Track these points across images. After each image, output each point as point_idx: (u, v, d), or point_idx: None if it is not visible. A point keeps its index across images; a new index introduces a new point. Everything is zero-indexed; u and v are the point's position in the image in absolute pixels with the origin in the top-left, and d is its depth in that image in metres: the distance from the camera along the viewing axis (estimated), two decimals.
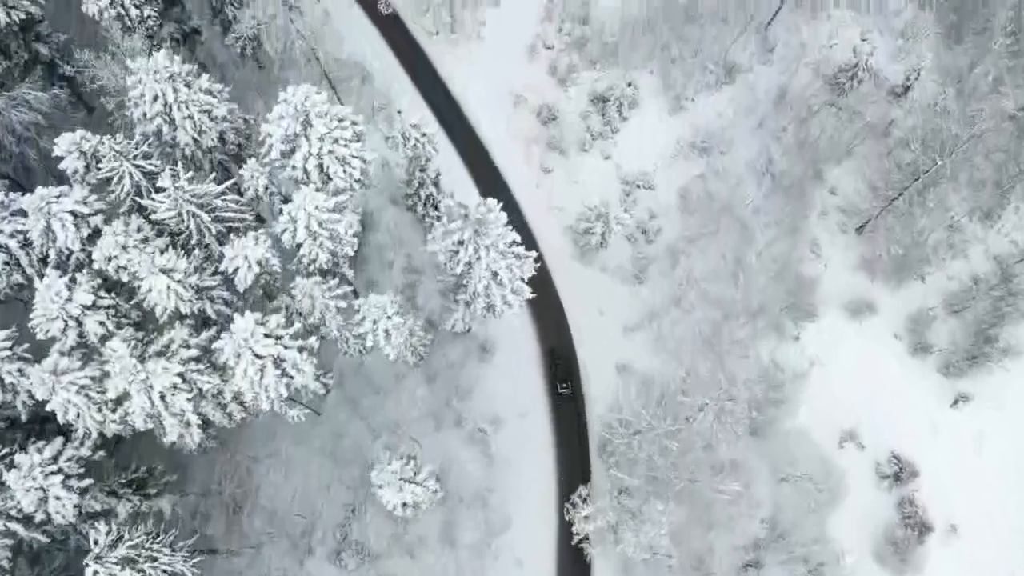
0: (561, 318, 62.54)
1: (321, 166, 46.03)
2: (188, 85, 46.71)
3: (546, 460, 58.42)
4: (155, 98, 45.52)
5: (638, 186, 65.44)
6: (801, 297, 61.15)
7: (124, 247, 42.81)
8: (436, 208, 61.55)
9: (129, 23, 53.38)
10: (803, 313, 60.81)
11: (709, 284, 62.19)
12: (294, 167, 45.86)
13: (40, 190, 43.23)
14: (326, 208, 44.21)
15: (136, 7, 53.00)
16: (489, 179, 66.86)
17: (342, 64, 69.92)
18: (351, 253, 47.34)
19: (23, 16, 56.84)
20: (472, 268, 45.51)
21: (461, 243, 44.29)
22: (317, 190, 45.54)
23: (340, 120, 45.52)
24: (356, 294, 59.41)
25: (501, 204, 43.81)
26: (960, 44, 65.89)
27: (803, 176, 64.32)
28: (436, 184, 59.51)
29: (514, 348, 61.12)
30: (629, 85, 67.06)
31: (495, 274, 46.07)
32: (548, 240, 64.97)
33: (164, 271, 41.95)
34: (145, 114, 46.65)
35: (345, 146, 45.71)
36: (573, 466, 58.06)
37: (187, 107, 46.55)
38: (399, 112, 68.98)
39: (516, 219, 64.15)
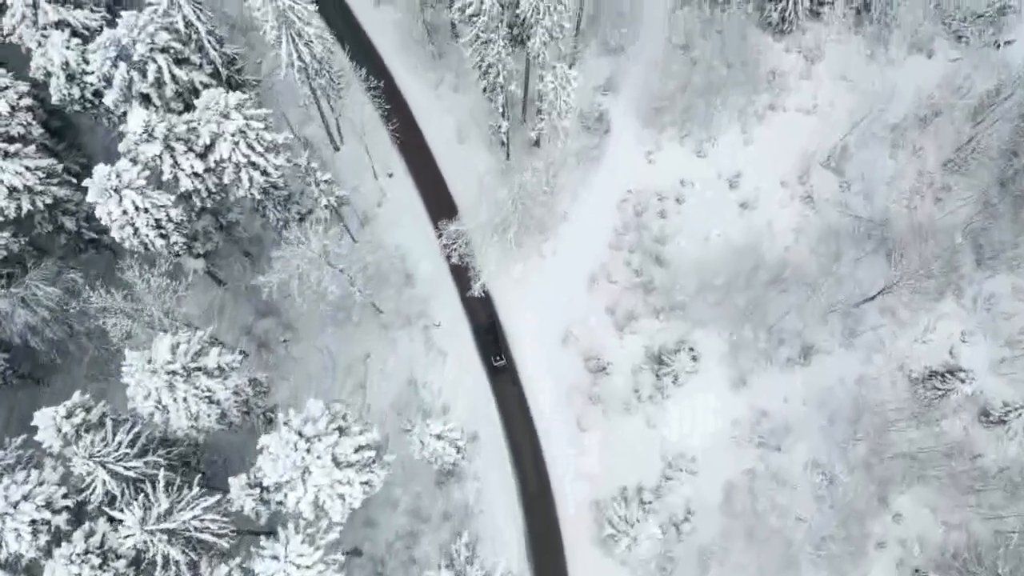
0: None
1: (317, 499, 40.41)
2: (190, 374, 41.51)
3: None
4: (147, 396, 40.36)
5: (680, 469, 58.69)
6: None
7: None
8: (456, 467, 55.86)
9: (152, 250, 48.46)
10: None
11: None
12: (286, 495, 40.32)
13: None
14: (314, 561, 38.63)
15: (163, 236, 47.96)
16: (519, 425, 60.95)
17: (385, 257, 64.55)
18: None
19: (49, 201, 52.53)
20: None
21: None
22: (307, 527, 40.03)
23: (350, 456, 39.82)
24: None
25: None
26: None
27: (867, 500, 56.95)
28: (459, 450, 53.69)
29: None
30: (691, 352, 60.26)
31: None
32: (570, 512, 58.78)
33: None
34: (135, 397, 41.57)
35: (348, 484, 40.03)
36: None
37: (185, 400, 41.33)
38: (437, 325, 63.50)
39: (539, 478, 58.65)
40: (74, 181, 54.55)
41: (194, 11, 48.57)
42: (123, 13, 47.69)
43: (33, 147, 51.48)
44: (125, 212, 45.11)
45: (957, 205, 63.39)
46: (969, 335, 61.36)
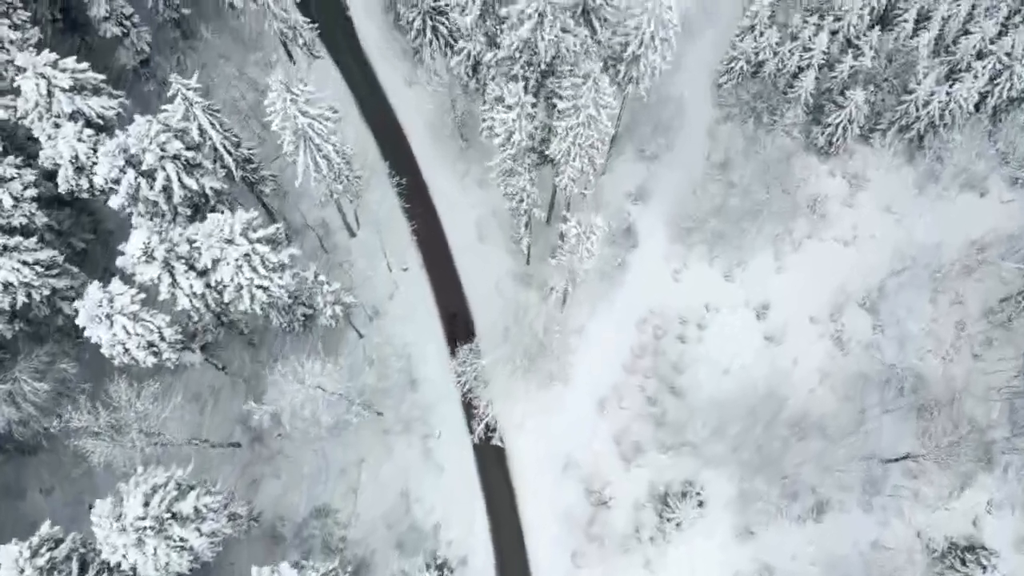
0: None
1: None
2: (163, 523, 39.34)
3: None
4: (114, 551, 38.24)
5: None
6: None
7: None
8: None
9: (143, 365, 46.43)
10: None
11: None
12: None
13: None
14: None
15: (155, 355, 45.93)
16: (512, 554, 58.43)
17: (391, 354, 62.23)
18: None
19: (48, 292, 50.71)
20: None
21: None
22: None
23: None
24: None
25: None
26: None
27: None
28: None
29: None
30: (697, 497, 57.25)
31: None
32: None
33: None
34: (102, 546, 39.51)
35: None
36: None
37: (155, 552, 39.18)
38: (437, 436, 61.03)
39: None
40: (75, 270, 52.66)
41: (209, 121, 46.46)
42: (136, 117, 45.56)
43: (35, 239, 49.48)
44: (115, 335, 43.00)
45: (996, 365, 59.74)
46: (996, 507, 57.85)
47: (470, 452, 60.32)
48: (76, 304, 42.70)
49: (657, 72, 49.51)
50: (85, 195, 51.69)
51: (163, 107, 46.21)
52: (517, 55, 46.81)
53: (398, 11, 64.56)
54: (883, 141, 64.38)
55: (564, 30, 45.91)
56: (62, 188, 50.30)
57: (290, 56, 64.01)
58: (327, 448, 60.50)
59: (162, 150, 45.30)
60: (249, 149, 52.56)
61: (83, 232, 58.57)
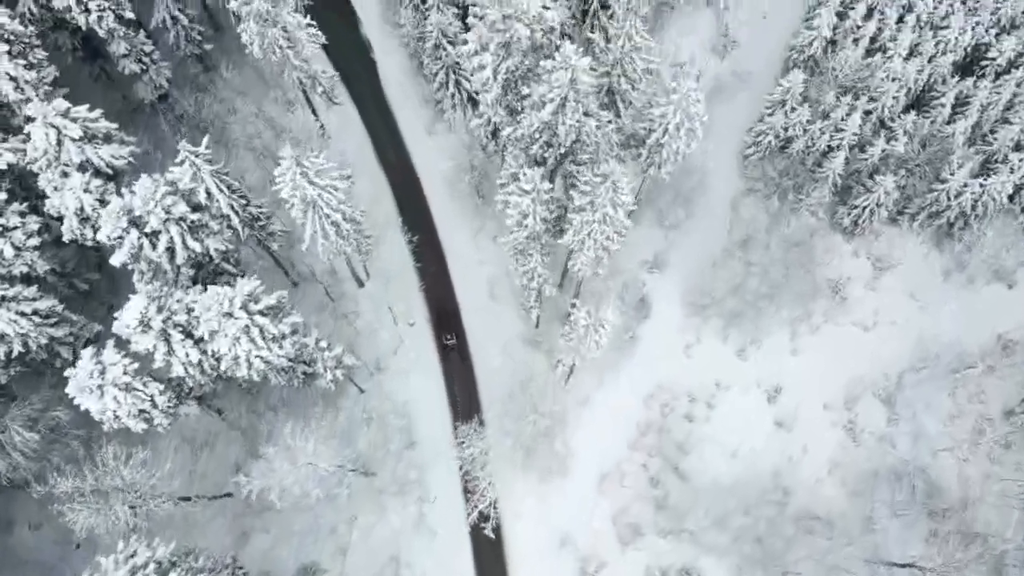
0: None
1: None
2: None
3: None
4: None
5: None
6: None
7: None
8: None
9: (133, 431, 45.45)
10: None
11: None
12: None
13: None
14: None
15: (146, 421, 44.93)
16: None
17: (391, 411, 61.09)
18: None
19: (44, 342, 49.90)
20: None
21: None
22: None
23: None
24: None
25: None
26: None
27: None
28: None
29: None
30: None
31: None
32: None
33: None
34: None
35: None
36: None
37: None
38: (432, 500, 59.70)
39: None
40: (74, 317, 51.85)
41: (216, 185, 45.37)
42: (142, 175, 44.55)
43: (35, 287, 48.66)
44: (106, 404, 42.03)
45: (1013, 472, 57.61)
46: None
47: (464, 519, 58.85)
48: (68, 372, 41.56)
49: (680, 158, 47.91)
50: (90, 243, 50.83)
51: (171, 168, 45.11)
52: (537, 135, 45.40)
53: (422, 59, 63.26)
54: (911, 226, 62.33)
55: (587, 114, 44.44)
56: (66, 237, 49.47)
57: (309, 102, 62.82)
58: (319, 506, 59.27)
59: (167, 212, 44.25)
60: (259, 207, 51.43)
61: (87, 271, 57.82)
